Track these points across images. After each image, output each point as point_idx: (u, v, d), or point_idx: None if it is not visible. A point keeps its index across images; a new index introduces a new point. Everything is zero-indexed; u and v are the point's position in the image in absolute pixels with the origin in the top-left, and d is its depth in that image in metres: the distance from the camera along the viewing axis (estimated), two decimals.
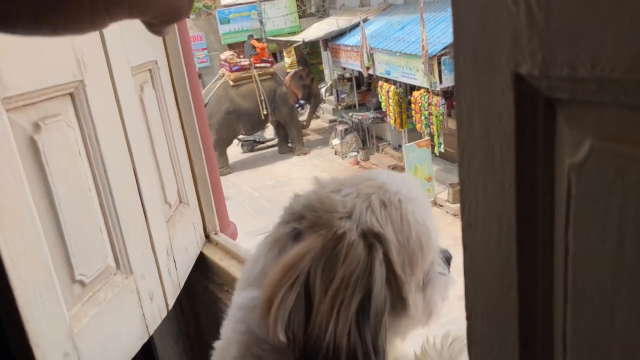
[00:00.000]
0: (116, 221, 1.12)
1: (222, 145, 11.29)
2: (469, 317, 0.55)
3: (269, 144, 12.68)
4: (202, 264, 1.62)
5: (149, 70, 1.40)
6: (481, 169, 0.46)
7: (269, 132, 12.74)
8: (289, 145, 12.22)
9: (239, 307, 0.68)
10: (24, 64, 0.91)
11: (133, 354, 1.16)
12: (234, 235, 1.90)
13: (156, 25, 0.45)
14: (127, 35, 1.24)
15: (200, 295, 1.68)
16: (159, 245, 1.29)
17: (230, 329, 0.70)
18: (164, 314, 1.30)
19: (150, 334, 1.22)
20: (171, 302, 1.34)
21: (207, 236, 1.69)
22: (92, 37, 1.10)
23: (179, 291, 1.40)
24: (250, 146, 12.52)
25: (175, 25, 1.53)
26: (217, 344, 0.73)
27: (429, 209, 0.70)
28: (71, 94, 1.02)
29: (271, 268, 0.65)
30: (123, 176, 1.16)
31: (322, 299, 0.61)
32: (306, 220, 0.65)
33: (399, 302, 0.67)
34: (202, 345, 1.80)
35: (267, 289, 0.62)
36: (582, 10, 0.30)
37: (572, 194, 0.38)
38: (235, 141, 12.12)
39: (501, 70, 0.38)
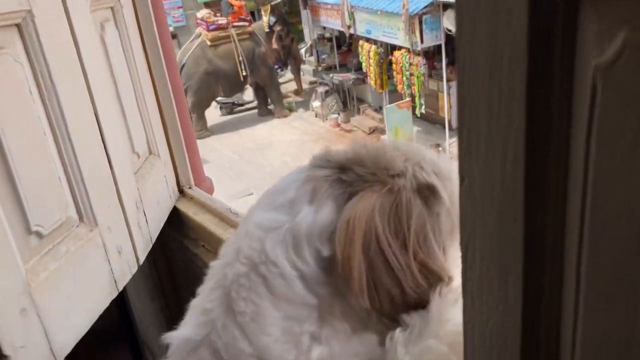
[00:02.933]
0: (77, 169, 1.03)
1: (200, 107, 11.03)
2: (464, 254, 0.49)
3: (248, 106, 12.43)
4: (176, 219, 1.54)
5: (111, 8, 1.28)
6: (485, 83, 0.39)
7: (248, 94, 12.48)
8: (269, 107, 12.01)
9: (257, 225, 0.67)
10: None
11: (101, 311, 1.09)
12: (209, 191, 1.82)
13: None
14: None
15: (175, 252, 1.61)
16: (126, 197, 1.20)
17: (237, 245, 0.68)
18: (135, 269, 1.23)
19: (120, 289, 1.15)
20: (142, 257, 1.26)
21: (180, 190, 1.61)
22: None
23: (150, 246, 1.33)
24: (229, 108, 12.26)
25: None
26: (215, 263, 0.72)
27: None
28: (18, 25, 0.91)
29: (303, 202, 0.66)
30: (83, 121, 1.06)
31: (402, 259, 0.63)
32: (353, 173, 0.66)
33: None
34: (178, 302, 1.74)
35: (344, 248, 0.62)
36: None
37: (596, 103, 0.32)
38: (214, 103, 11.85)
39: None
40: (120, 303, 2.03)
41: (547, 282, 0.42)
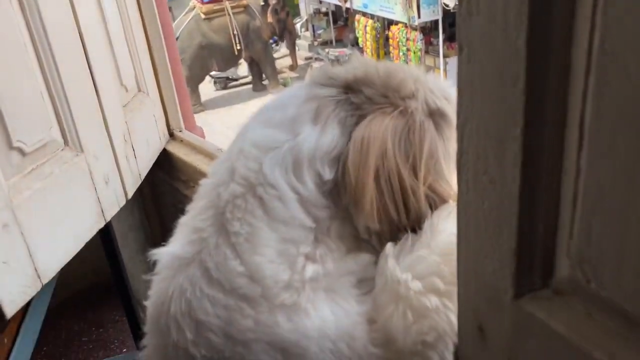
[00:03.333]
0: (60, 88, 0.99)
1: (194, 81, 10.90)
2: (460, 137, 0.46)
3: (242, 81, 12.31)
4: (166, 162, 1.51)
5: None
6: None
7: (243, 69, 12.35)
8: (264, 82, 11.90)
9: (253, 143, 0.64)
10: None
11: (87, 238, 1.06)
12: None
13: None
14: None
15: (166, 196, 1.59)
16: (114, 128, 1.17)
17: (231, 164, 0.65)
18: (122, 202, 1.20)
19: (107, 220, 1.12)
20: (130, 192, 1.23)
21: (171, 134, 1.57)
22: None
23: (139, 182, 1.30)
24: (223, 83, 12.13)
25: None
26: (206, 181, 0.69)
27: None
28: None
29: (305, 121, 0.63)
30: (66, 38, 1.02)
31: (409, 184, 0.63)
32: (363, 95, 0.64)
33: None
34: None
35: (358, 172, 0.61)
36: None
37: None
38: (208, 78, 11.73)
39: None
40: (112, 259, 2.01)
41: (547, 153, 0.40)
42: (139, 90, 1.39)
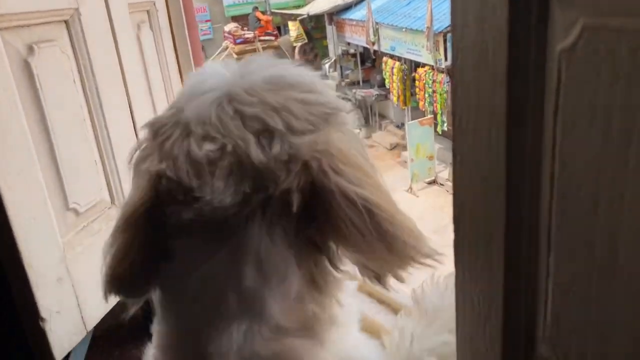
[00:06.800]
0: (111, 155, 1.11)
1: None
2: (456, 228, 0.55)
3: None
4: None
5: (147, 11, 1.38)
6: (474, 68, 0.45)
7: None
8: None
9: None
10: None
11: None
12: None
13: None
14: None
15: None
16: None
17: None
18: None
19: None
20: None
21: None
22: None
23: None
24: None
25: None
26: None
27: None
28: (66, 22, 1.01)
29: None
30: (119, 111, 1.15)
31: None
32: None
33: None
34: None
35: None
36: None
37: (562, 80, 0.38)
38: None
39: None
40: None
41: (524, 252, 0.48)
42: None
